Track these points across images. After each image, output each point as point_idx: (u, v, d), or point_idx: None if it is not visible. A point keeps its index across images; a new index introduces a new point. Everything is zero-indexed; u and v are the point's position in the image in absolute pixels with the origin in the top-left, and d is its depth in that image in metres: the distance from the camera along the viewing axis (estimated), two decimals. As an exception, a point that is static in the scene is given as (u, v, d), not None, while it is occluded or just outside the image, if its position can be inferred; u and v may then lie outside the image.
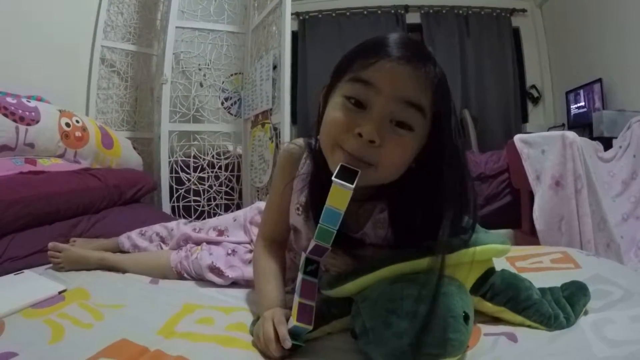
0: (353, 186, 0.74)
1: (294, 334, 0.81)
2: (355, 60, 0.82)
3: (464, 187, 0.84)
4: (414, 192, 0.86)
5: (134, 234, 1.64)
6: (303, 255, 0.83)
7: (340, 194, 0.75)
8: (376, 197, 0.95)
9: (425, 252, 0.83)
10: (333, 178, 0.75)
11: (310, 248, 0.81)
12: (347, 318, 0.91)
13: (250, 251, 1.35)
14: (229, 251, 1.35)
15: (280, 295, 0.99)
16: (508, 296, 0.89)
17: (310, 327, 0.81)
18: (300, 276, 0.83)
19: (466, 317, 0.78)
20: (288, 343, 0.80)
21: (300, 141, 1.06)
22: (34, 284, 1.30)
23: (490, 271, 0.93)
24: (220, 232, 1.45)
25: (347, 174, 0.76)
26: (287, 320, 0.84)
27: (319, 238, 0.79)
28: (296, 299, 0.82)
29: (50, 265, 1.49)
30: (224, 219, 1.49)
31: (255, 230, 1.37)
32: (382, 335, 0.76)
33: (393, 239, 0.94)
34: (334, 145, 0.82)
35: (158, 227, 1.62)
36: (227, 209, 3.09)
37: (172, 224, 1.61)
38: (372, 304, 0.81)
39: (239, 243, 1.39)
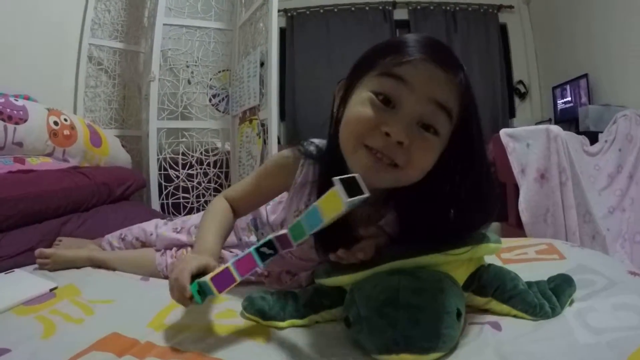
0: (348, 201, 0.65)
1: (201, 288, 0.79)
2: (386, 55, 0.80)
3: (488, 192, 0.86)
4: (427, 195, 0.85)
5: (116, 240, 1.62)
6: (270, 236, 0.79)
7: (334, 202, 0.67)
8: (388, 198, 0.95)
9: (427, 250, 0.86)
10: (335, 179, 0.67)
11: (279, 234, 0.77)
12: (338, 309, 0.93)
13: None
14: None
15: (215, 249, 0.99)
16: (494, 287, 0.91)
17: (217, 295, 0.78)
18: (250, 249, 0.79)
19: (459, 314, 0.79)
20: (187, 293, 0.79)
21: (289, 152, 1.04)
22: (24, 282, 1.30)
23: (481, 268, 0.95)
24: None
25: (351, 186, 0.67)
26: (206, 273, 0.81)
27: (292, 232, 0.76)
28: (229, 263, 0.79)
29: (41, 265, 1.49)
30: None
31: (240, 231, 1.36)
32: (376, 325, 0.77)
33: (398, 237, 0.94)
34: (358, 143, 0.81)
35: (137, 231, 1.58)
36: (217, 205, 3.08)
37: (151, 227, 1.55)
38: (368, 293, 0.82)
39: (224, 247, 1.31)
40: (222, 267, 0.79)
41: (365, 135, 0.79)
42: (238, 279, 0.78)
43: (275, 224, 1.19)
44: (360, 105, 0.81)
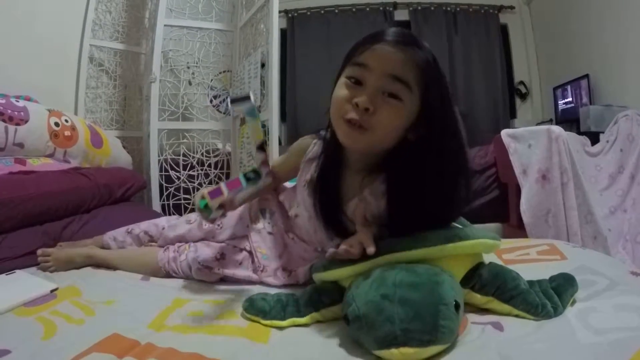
0: (233, 105, 1.11)
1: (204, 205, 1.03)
2: (356, 49, 1.01)
3: (459, 158, 1.01)
4: (414, 165, 1.00)
5: (120, 235, 1.62)
6: (254, 165, 1.09)
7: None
8: (379, 170, 1.09)
9: (420, 243, 0.92)
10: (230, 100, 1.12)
11: (259, 164, 1.10)
12: (338, 307, 0.94)
13: (241, 250, 1.35)
14: (217, 256, 1.32)
15: (240, 196, 1.19)
16: (495, 286, 0.91)
17: (209, 202, 1.02)
18: (239, 175, 1.06)
19: (457, 306, 0.80)
20: (195, 207, 1.06)
21: (309, 137, 1.28)
22: (25, 283, 1.31)
23: (480, 265, 0.96)
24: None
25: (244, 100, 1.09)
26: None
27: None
28: (221, 183, 1.05)
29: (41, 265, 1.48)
30: None
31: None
32: (374, 321, 0.78)
33: (386, 217, 1.06)
34: (339, 118, 1.00)
35: (146, 225, 1.60)
36: (217, 206, 3.08)
37: (163, 222, 1.58)
38: (365, 290, 0.84)
39: (232, 238, 1.38)
40: (216, 186, 1.04)
41: (344, 111, 0.99)
42: (226, 193, 1.04)
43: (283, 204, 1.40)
44: (339, 88, 1.02)
